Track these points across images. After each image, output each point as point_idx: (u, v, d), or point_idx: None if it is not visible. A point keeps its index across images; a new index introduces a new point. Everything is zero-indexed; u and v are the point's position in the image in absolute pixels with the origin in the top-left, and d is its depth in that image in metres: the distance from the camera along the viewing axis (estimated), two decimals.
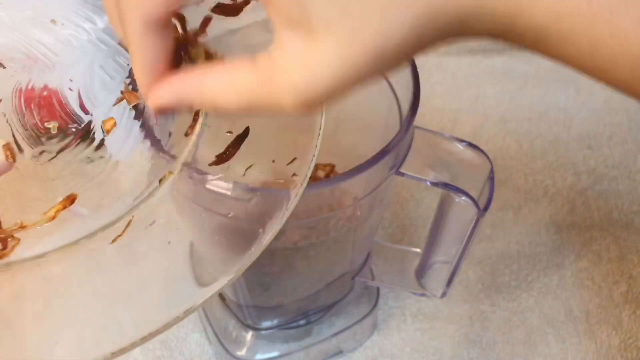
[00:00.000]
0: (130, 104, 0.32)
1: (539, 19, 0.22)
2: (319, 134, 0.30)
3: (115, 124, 0.31)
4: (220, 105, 0.26)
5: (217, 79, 0.26)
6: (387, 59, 0.24)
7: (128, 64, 0.33)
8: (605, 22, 0.22)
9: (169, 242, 0.29)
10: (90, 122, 0.32)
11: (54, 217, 0.29)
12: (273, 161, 0.30)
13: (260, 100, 0.25)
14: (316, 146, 0.30)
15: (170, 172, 0.30)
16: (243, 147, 0.30)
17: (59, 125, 0.31)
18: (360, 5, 0.22)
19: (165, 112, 0.28)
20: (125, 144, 0.31)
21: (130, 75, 0.33)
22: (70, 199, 0.29)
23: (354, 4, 0.22)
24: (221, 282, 0.27)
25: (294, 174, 0.30)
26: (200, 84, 0.27)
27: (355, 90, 0.25)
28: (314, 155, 0.30)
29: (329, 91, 0.24)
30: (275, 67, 0.24)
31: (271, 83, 0.25)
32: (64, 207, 0.29)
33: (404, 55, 0.24)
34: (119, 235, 0.28)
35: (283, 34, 0.24)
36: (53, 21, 0.34)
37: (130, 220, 0.28)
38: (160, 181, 0.30)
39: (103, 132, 0.31)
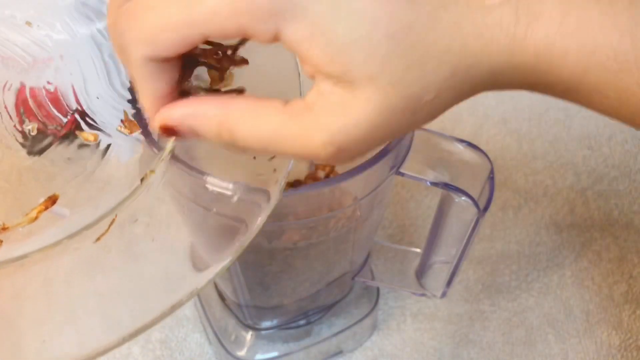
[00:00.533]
0: (131, 133, 0.32)
1: (567, 73, 0.23)
2: None
3: (95, 138, 0.31)
4: (238, 138, 0.25)
5: (241, 109, 0.25)
6: (422, 110, 0.24)
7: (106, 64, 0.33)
8: (631, 74, 0.23)
9: (153, 239, 0.29)
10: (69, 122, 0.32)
11: (36, 218, 0.29)
12: (254, 157, 0.30)
13: (287, 140, 0.24)
14: None
15: (152, 171, 0.30)
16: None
17: (38, 127, 0.31)
18: (400, 58, 0.23)
19: (172, 133, 0.26)
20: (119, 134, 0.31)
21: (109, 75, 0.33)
22: (52, 200, 0.29)
23: (393, 56, 0.23)
24: (215, 269, 0.27)
25: (275, 170, 0.30)
26: (221, 110, 0.25)
27: (382, 144, 0.25)
28: None
29: (362, 138, 0.24)
30: (311, 109, 0.24)
31: (303, 123, 0.24)
32: (46, 208, 0.29)
33: (438, 107, 0.24)
34: (103, 234, 0.28)
35: (322, 85, 0.24)
36: (28, 23, 0.34)
37: (114, 219, 0.28)
38: (142, 180, 0.30)
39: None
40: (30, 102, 0.32)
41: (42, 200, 0.29)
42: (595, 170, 0.64)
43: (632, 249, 0.58)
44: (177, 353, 0.53)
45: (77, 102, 0.32)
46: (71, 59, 0.33)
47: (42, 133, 0.31)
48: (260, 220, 0.28)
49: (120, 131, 0.32)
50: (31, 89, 0.32)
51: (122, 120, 0.32)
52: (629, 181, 0.63)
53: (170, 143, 0.30)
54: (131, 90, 0.33)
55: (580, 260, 0.58)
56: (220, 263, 0.28)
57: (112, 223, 0.28)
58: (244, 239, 0.28)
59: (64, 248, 0.28)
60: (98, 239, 0.28)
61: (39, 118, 0.32)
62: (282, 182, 0.29)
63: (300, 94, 0.31)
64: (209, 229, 0.31)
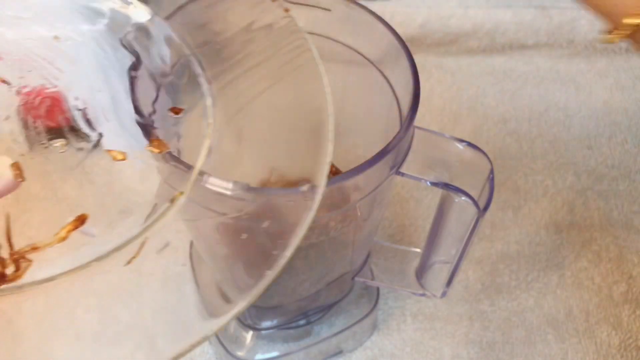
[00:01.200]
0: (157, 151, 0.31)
1: None
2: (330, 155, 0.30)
3: (124, 157, 0.31)
4: None
5: None
6: None
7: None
8: None
9: (183, 264, 0.28)
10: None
11: (65, 238, 0.28)
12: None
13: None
14: (326, 169, 0.30)
15: (182, 193, 0.29)
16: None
17: (53, 132, 0.31)
18: None
19: None
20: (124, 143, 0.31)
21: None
22: (81, 219, 0.28)
23: None
24: (239, 307, 0.27)
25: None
26: None
27: None
28: (325, 180, 0.30)
29: None
30: None
31: None
32: (75, 228, 0.28)
33: None
34: (134, 257, 0.27)
35: None
36: (29, 24, 0.33)
37: (144, 242, 0.28)
38: (172, 200, 0.29)
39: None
40: (35, 104, 0.31)
41: (70, 219, 0.28)
42: (595, 170, 0.64)
43: (632, 249, 0.58)
44: None
45: (68, 110, 0.32)
46: (70, 63, 0.33)
47: (53, 134, 0.30)
48: (309, 219, 0.28)
49: (149, 150, 0.31)
50: (29, 94, 0.32)
51: (150, 140, 0.31)
52: (629, 181, 0.63)
53: (199, 161, 0.30)
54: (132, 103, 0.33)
55: (580, 260, 0.58)
56: (267, 277, 0.27)
57: (142, 246, 0.28)
58: (274, 269, 0.28)
59: (93, 270, 0.27)
60: (129, 262, 0.27)
61: (38, 127, 0.31)
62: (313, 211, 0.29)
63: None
64: (249, 247, 0.30)
